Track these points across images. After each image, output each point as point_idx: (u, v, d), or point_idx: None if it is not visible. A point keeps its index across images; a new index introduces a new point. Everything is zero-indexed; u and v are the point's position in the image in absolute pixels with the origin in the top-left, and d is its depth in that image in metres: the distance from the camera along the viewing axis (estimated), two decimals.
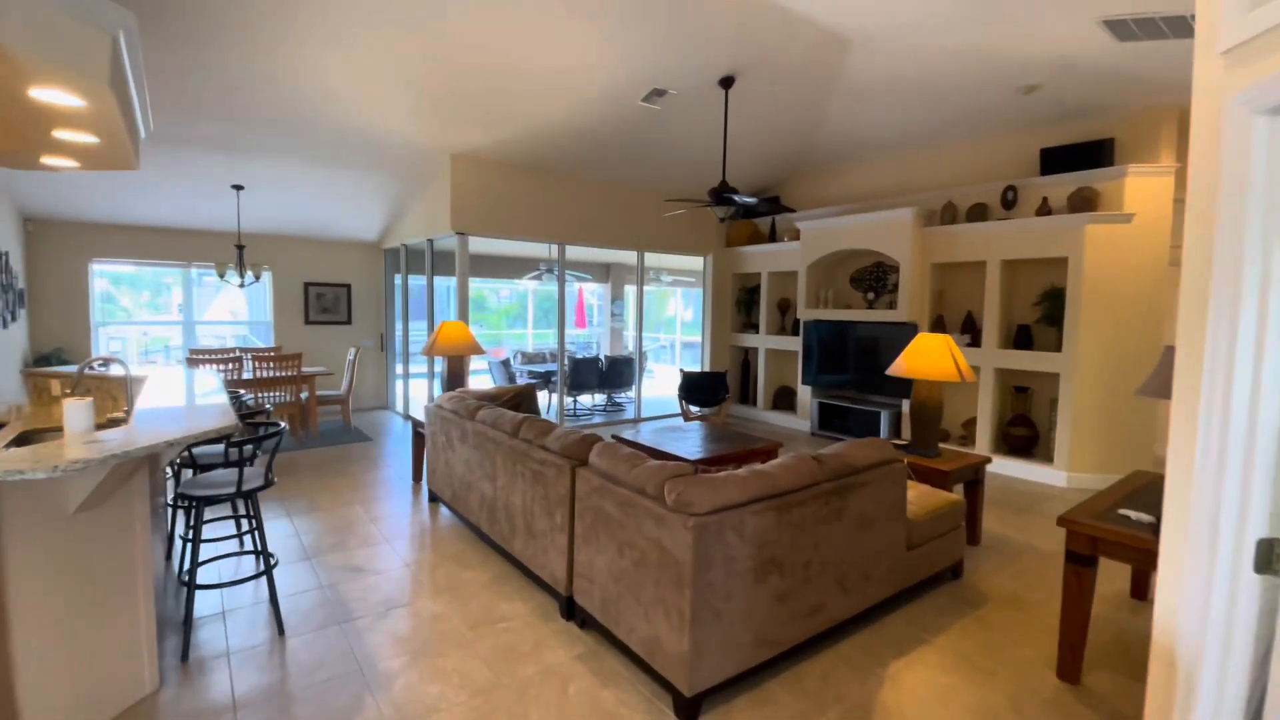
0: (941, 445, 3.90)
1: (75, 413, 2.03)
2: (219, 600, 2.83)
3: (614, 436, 4.45)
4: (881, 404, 6.28)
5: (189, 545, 2.69)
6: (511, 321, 13.10)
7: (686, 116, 5.34)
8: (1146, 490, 2.66)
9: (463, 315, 6.02)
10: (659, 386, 10.36)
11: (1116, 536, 2.21)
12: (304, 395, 6.08)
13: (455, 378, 4.49)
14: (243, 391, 4.37)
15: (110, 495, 2.02)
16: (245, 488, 2.53)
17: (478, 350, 4.54)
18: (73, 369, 3.92)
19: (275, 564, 2.93)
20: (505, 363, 7.85)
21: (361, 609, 2.79)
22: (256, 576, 2.75)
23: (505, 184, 6.13)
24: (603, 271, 11.42)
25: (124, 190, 5.68)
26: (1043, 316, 5.27)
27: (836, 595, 2.49)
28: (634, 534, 2.23)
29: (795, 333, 7.18)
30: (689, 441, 4.32)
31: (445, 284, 7.02)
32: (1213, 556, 1.26)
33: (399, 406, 7.71)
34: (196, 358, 5.68)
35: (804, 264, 6.77)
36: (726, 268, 8.07)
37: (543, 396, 8.49)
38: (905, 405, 6.09)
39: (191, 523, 2.68)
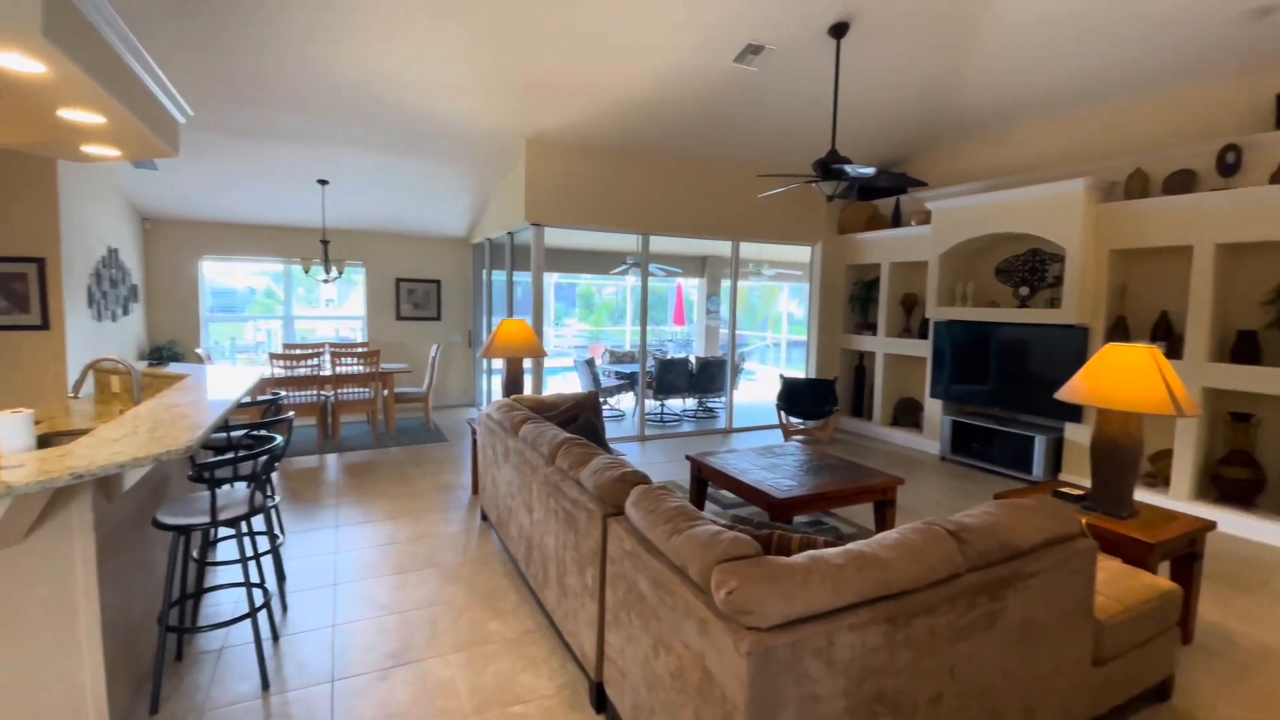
0: None
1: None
2: (221, 637, 2.51)
3: (688, 458, 3.77)
4: (1036, 426, 5.06)
5: (177, 575, 2.38)
6: (617, 318, 12.78)
7: (788, 79, 4.51)
8: None
9: (538, 312, 5.60)
10: (759, 391, 9.49)
11: None
12: (384, 393, 5.96)
13: (513, 381, 4.02)
14: (282, 392, 4.19)
15: (30, 530, 1.67)
16: (224, 516, 2.15)
17: (539, 352, 4.04)
18: (176, 366, 3.89)
19: (264, 604, 2.55)
20: (590, 363, 7.40)
21: (363, 662, 2.35)
22: (241, 619, 2.37)
23: (582, 169, 5.61)
24: (698, 265, 10.69)
25: (226, 189, 5.83)
26: (1276, 319, 3.89)
27: None
28: (671, 633, 1.55)
29: (923, 335, 6.07)
30: (780, 469, 3.54)
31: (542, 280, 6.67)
32: None
33: (485, 405, 7.52)
34: (282, 353, 5.71)
35: (936, 252, 5.64)
36: (838, 258, 7.04)
37: (631, 400, 7.98)
38: (1069, 430, 4.85)
39: (191, 550, 2.36)
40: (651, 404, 7.64)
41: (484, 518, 3.80)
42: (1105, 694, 1.97)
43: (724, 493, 4.45)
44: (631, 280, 11.29)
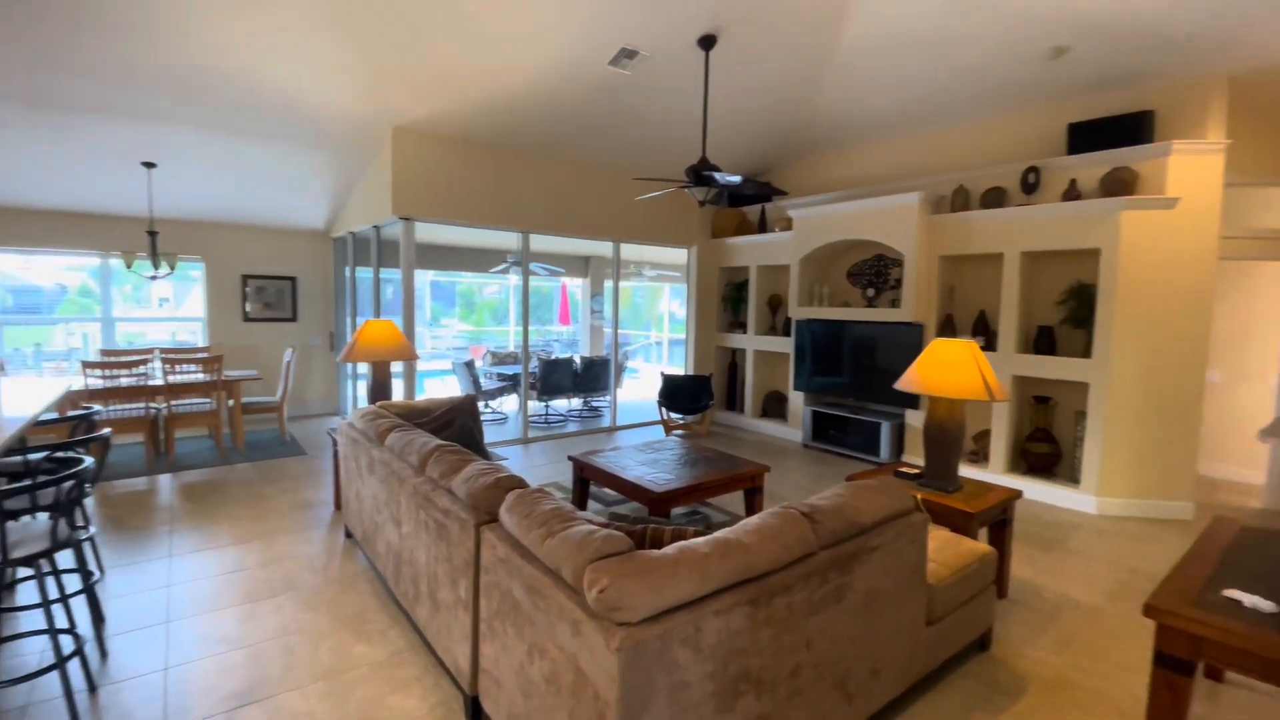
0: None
1: None
2: (25, 693, 2.12)
3: (570, 458, 3.77)
4: (883, 413, 5.61)
5: None
6: (500, 318, 12.40)
7: (664, 85, 4.64)
8: (1247, 551, 1.99)
9: (409, 312, 5.30)
10: (643, 389, 9.68)
11: (1235, 639, 1.54)
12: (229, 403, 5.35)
13: (380, 387, 3.78)
14: (96, 406, 3.64)
15: None
16: (19, 554, 1.82)
17: (408, 355, 3.83)
18: None
19: (75, 651, 2.21)
20: (469, 365, 7.13)
21: (204, 705, 2.09)
22: (47, 671, 2.03)
23: (458, 162, 5.40)
24: (582, 265, 10.70)
25: (27, 169, 4.92)
26: (1068, 317, 4.62)
27: (836, 705, 1.81)
28: (545, 637, 1.54)
29: (787, 333, 6.50)
30: (659, 463, 3.64)
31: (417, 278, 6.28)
32: None
33: (352, 413, 6.99)
34: (100, 360, 4.93)
35: (796, 257, 6.08)
36: (712, 261, 7.37)
37: (514, 402, 7.80)
38: (909, 415, 5.44)
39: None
40: (536, 405, 7.53)
41: (348, 535, 3.53)
42: (938, 649, 2.23)
43: (607, 490, 4.49)
44: (515, 279, 11.04)
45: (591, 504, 4.21)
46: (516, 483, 2.01)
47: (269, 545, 3.43)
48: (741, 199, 6.98)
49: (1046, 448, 4.67)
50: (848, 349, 5.79)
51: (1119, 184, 4.18)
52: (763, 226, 6.86)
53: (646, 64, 4.31)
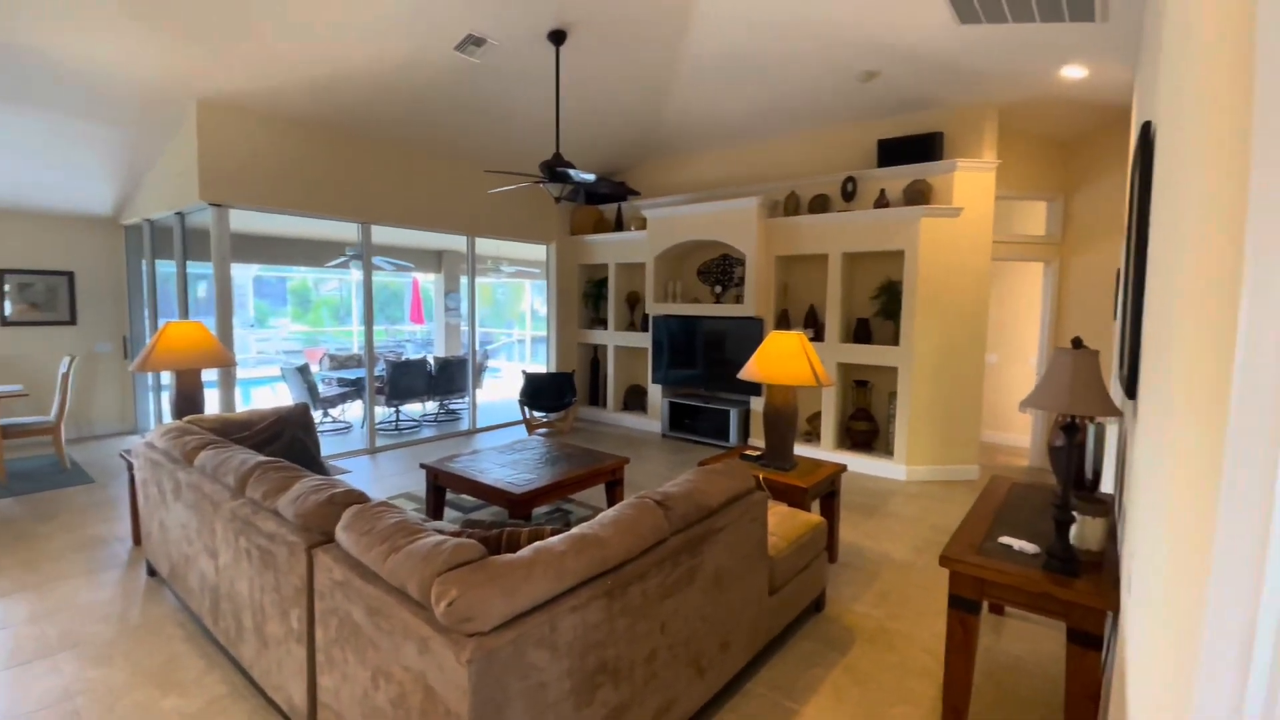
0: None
1: None
2: None
3: (423, 466, 3.57)
4: (731, 401, 5.99)
5: None
6: (342, 317, 11.31)
7: (517, 77, 4.52)
8: (1016, 504, 2.41)
9: (224, 312, 4.68)
10: (506, 388, 9.41)
11: (1008, 578, 1.86)
12: None
13: (187, 400, 3.29)
14: None
15: None
16: None
17: (222, 360, 3.37)
18: None
19: None
20: (303, 370, 6.46)
21: None
22: None
23: (283, 144, 4.85)
24: (434, 259, 10.15)
25: None
26: (880, 310, 5.25)
27: (691, 681, 1.91)
28: (390, 660, 1.45)
29: (645, 328, 6.69)
30: (521, 464, 3.57)
31: (238, 272, 5.51)
32: (1243, 689, 0.78)
33: (153, 431, 6.01)
34: None
35: (651, 255, 6.28)
36: (572, 258, 7.36)
37: (360, 409, 7.20)
38: (754, 402, 5.86)
39: None
40: (386, 412, 7.02)
41: (151, 573, 3.04)
42: (780, 616, 2.44)
43: (466, 497, 4.32)
44: (358, 274, 10.16)
45: (450, 512, 4.03)
46: (355, 497, 1.86)
47: (43, 595, 2.84)
48: (598, 197, 7.04)
49: (866, 425, 5.29)
50: (700, 343, 6.09)
51: (918, 194, 4.83)
52: (619, 225, 6.98)
53: (496, 54, 4.17)
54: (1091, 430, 2.39)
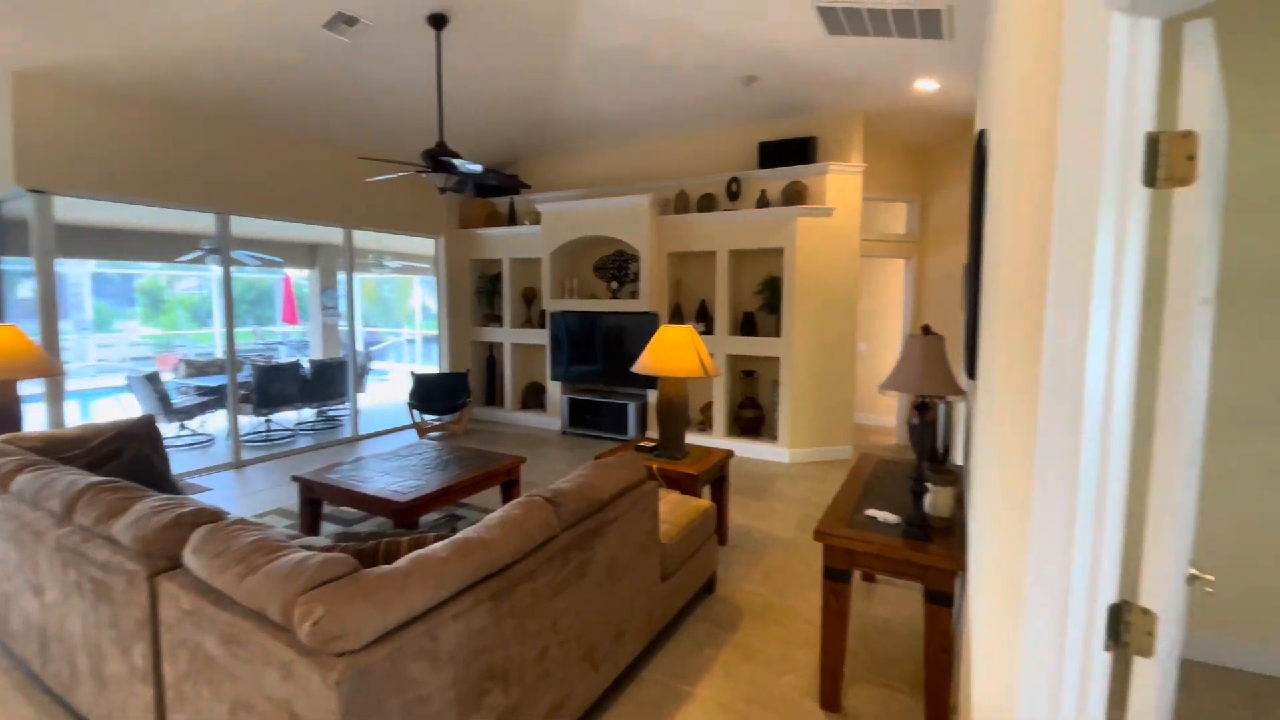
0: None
1: None
2: None
3: (295, 479, 3.30)
4: (629, 395, 6.06)
5: None
6: (203, 319, 10.14)
7: (395, 60, 4.28)
8: (881, 478, 2.63)
9: (49, 314, 4.06)
10: (394, 391, 8.91)
11: (873, 548, 2.02)
12: None
13: (3, 415, 2.82)
14: None
15: None
16: None
17: (45, 369, 2.93)
18: None
19: None
20: (152, 378, 5.75)
21: None
22: None
23: (122, 126, 4.28)
24: (307, 254, 9.39)
25: None
26: (764, 304, 5.52)
27: (585, 675, 1.91)
28: (251, 690, 1.33)
29: (542, 325, 6.60)
30: (407, 470, 3.40)
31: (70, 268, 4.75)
32: (1062, 630, 0.91)
33: None
34: None
35: (547, 250, 6.20)
36: (462, 252, 7.10)
37: (223, 420, 6.51)
38: (651, 395, 5.96)
39: None
40: (255, 421, 6.42)
41: None
42: (673, 601, 2.51)
43: (347, 509, 4.05)
44: (217, 271, 9.17)
45: (330, 527, 3.77)
46: (207, 516, 1.69)
47: None
48: (488, 189, 6.83)
49: (753, 413, 5.56)
50: (599, 338, 6.11)
51: (795, 195, 5.13)
52: (513, 219, 6.82)
53: (371, 35, 3.92)
54: (942, 408, 2.66)
